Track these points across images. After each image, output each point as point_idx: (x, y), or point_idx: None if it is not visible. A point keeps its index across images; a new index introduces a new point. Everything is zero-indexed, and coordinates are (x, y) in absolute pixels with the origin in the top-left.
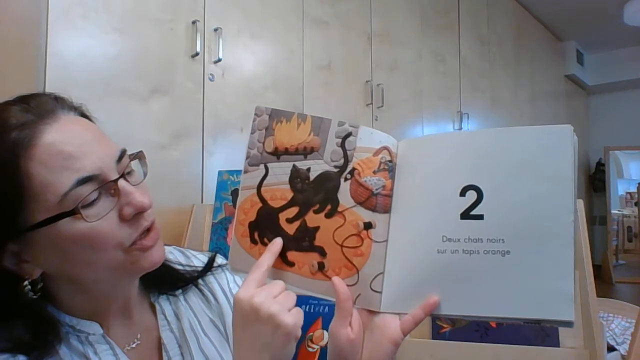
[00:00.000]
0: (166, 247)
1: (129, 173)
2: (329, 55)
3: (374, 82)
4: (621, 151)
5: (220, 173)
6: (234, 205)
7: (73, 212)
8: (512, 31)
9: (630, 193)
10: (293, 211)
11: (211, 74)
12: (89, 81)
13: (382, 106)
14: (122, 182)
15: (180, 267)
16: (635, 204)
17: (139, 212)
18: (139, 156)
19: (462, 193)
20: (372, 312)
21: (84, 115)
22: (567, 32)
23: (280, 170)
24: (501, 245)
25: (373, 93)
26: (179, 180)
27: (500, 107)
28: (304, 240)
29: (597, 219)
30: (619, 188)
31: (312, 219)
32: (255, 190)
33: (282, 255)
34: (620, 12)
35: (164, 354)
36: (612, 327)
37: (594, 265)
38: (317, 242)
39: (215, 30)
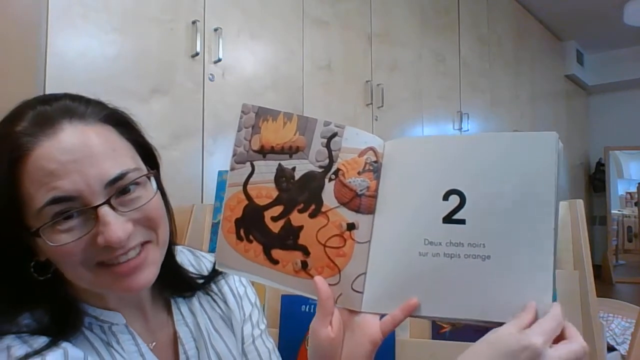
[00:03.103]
0: (176, 247)
1: (123, 194)
2: (329, 55)
3: (374, 82)
4: (621, 151)
5: (220, 173)
6: None
7: (36, 233)
8: (512, 31)
9: (630, 193)
10: (278, 210)
11: (211, 74)
12: (89, 81)
13: (382, 106)
14: (103, 210)
15: (193, 271)
16: (635, 204)
17: (109, 246)
18: (138, 182)
19: (445, 197)
20: (353, 312)
21: (114, 119)
22: (567, 32)
23: (266, 169)
24: (482, 250)
25: (373, 93)
26: (179, 180)
27: (500, 107)
28: (288, 238)
29: (597, 219)
30: (619, 188)
31: (297, 218)
32: (241, 188)
33: (267, 253)
34: (620, 12)
35: (179, 347)
36: (612, 327)
37: (594, 265)
38: (300, 241)
39: (215, 30)
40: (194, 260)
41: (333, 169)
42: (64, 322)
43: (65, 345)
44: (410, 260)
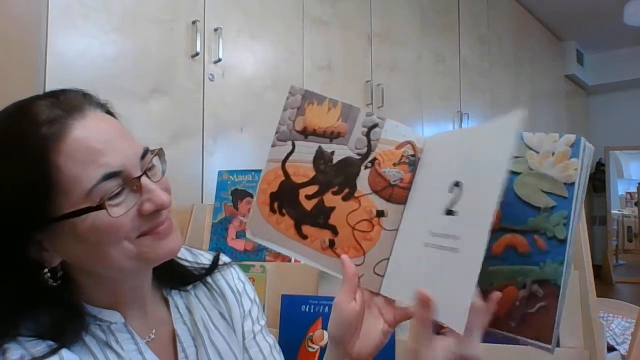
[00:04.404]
0: None
1: (150, 169)
2: (329, 55)
3: (374, 82)
4: (621, 151)
5: (220, 173)
6: (234, 206)
7: (100, 207)
8: (512, 31)
9: (630, 193)
10: (313, 189)
11: (211, 74)
12: (89, 81)
13: (382, 106)
14: (144, 179)
15: (188, 264)
16: (635, 204)
17: (158, 210)
18: (159, 153)
19: (451, 189)
20: (374, 293)
21: (109, 112)
22: (567, 32)
23: (306, 149)
24: (457, 242)
25: (373, 93)
26: (179, 180)
27: (500, 107)
28: (319, 217)
29: (597, 219)
30: (619, 188)
31: (330, 199)
32: (280, 164)
33: (297, 228)
34: (620, 12)
35: (178, 345)
36: (612, 327)
37: (594, 265)
38: (331, 221)
39: (215, 30)
40: (191, 257)
41: (370, 158)
42: (67, 328)
43: (61, 350)
44: (418, 249)
